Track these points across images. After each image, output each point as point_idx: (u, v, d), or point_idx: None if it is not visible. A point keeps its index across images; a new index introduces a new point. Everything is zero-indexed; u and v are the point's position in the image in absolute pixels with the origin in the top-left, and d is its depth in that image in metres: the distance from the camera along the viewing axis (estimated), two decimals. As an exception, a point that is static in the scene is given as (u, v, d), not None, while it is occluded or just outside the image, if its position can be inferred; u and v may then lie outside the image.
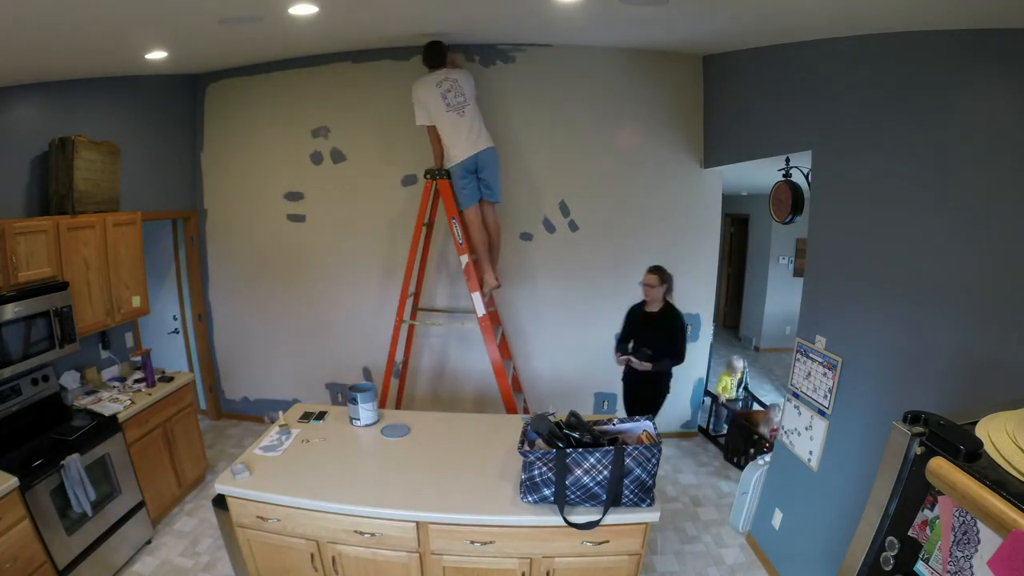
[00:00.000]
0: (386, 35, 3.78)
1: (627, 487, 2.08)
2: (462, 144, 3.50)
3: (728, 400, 4.72)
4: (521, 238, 4.35)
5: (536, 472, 2.09)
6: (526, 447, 2.15)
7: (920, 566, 1.09)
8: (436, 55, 3.53)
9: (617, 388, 4.54)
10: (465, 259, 3.59)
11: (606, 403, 4.56)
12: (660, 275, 3.34)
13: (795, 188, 3.33)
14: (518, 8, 3.09)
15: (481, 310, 3.60)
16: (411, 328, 4.34)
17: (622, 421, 2.35)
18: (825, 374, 2.59)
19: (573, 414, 2.29)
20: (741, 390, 4.81)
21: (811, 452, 2.70)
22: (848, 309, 2.50)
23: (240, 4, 2.57)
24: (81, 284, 3.08)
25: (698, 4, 2.66)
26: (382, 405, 3.86)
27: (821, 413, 2.63)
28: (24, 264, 2.70)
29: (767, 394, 5.71)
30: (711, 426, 4.80)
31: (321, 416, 2.96)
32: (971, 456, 1.01)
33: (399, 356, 4.36)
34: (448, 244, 4.34)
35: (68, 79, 3.25)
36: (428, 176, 3.69)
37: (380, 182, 4.34)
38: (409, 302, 4.01)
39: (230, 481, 2.32)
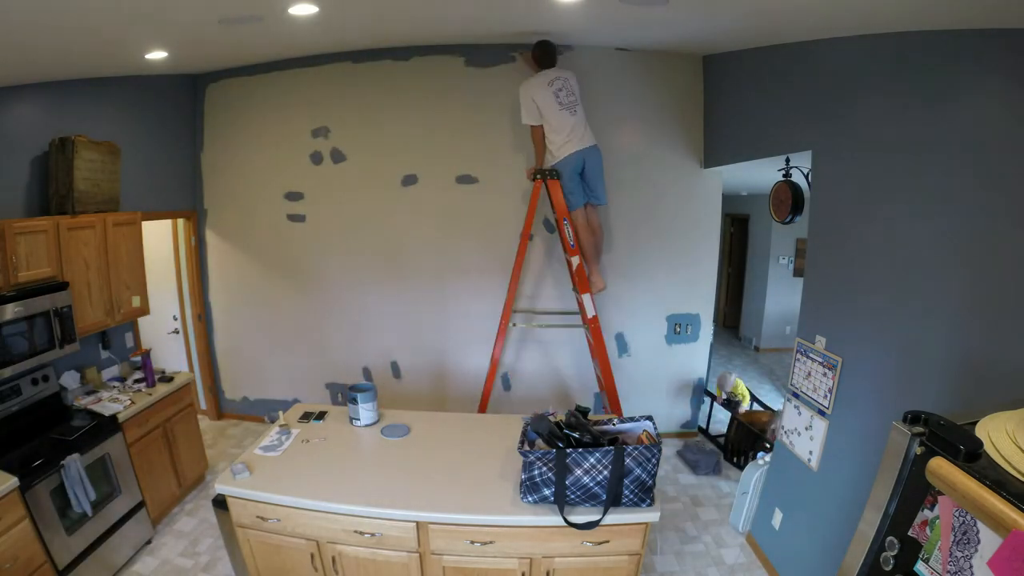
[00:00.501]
0: (386, 35, 3.78)
1: (627, 487, 2.08)
2: (572, 142, 3.50)
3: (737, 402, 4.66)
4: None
5: (536, 472, 2.09)
6: (526, 447, 2.15)
7: (920, 566, 1.09)
8: (547, 55, 3.58)
9: (617, 388, 4.52)
10: (576, 260, 3.58)
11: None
12: None
13: (795, 188, 3.33)
14: (518, 8, 3.09)
15: (591, 311, 3.58)
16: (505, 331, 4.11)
17: (622, 421, 2.35)
18: (825, 374, 2.59)
19: (573, 413, 2.29)
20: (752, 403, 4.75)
21: (811, 452, 2.70)
22: (848, 309, 2.50)
23: (240, 4, 2.57)
24: (81, 284, 3.08)
25: (698, 4, 2.66)
26: (482, 408, 3.80)
27: (821, 413, 2.63)
28: (24, 264, 2.70)
29: (767, 394, 5.72)
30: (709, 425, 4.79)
31: (321, 416, 2.96)
32: (971, 456, 1.02)
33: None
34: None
35: (68, 79, 3.25)
36: (539, 176, 3.59)
37: (380, 182, 4.34)
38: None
39: (230, 481, 2.32)
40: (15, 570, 2.33)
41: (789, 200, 3.34)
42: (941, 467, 1.02)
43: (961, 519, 0.99)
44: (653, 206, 4.28)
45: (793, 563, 2.85)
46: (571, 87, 3.56)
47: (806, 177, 3.08)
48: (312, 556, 2.30)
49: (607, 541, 2.14)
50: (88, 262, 3.13)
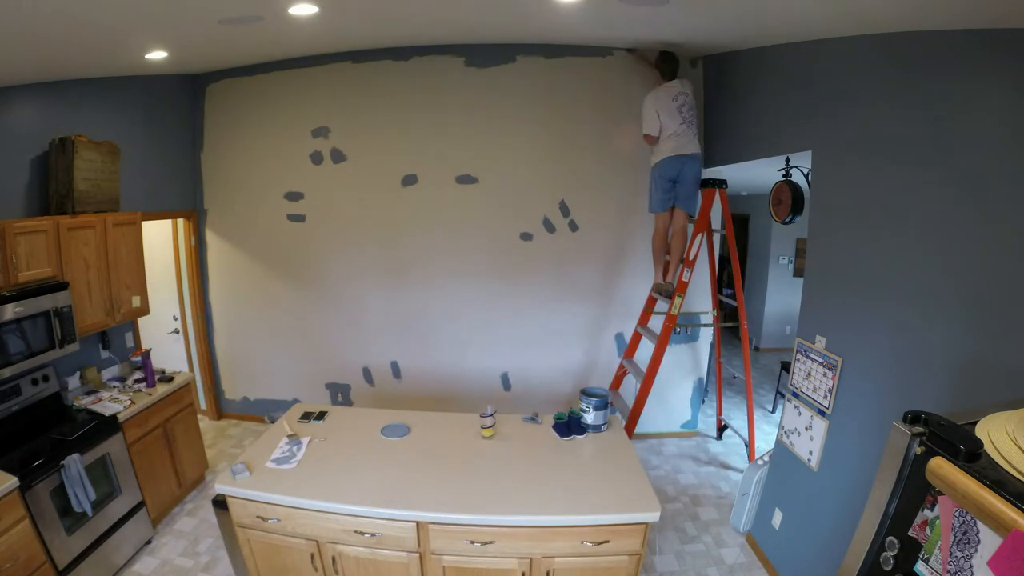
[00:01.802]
0: (386, 35, 3.78)
1: None
2: (675, 147, 3.63)
3: None
4: (521, 238, 4.35)
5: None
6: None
7: (920, 566, 1.09)
8: (672, 67, 3.65)
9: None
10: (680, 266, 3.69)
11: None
12: None
13: (795, 188, 3.33)
14: (518, 8, 3.09)
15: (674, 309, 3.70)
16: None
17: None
18: (825, 374, 2.59)
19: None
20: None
21: (811, 452, 2.70)
22: (848, 309, 2.50)
23: (240, 4, 2.57)
24: (81, 284, 3.08)
25: (698, 4, 2.66)
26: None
27: (821, 413, 2.63)
28: (24, 264, 2.70)
29: (767, 394, 5.72)
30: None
31: (321, 416, 2.96)
32: (971, 456, 1.02)
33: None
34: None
35: (68, 79, 3.25)
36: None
37: (380, 182, 4.34)
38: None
39: (230, 481, 2.32)
40: (15, 570, 2.32)
41: (789, 200, 3.34)
42: (941, 467, 1.02)
43: (961, 519, 0.99)
44: (653, 206, 4.27)
45: (793, 563, 2.85)
46: (692, 103, 3.67)
47: (806, 177, 3.08)
48: (312, 556, 2.30)
49: (607, 541, 2.14)
50: (88, 262, 3.13)
